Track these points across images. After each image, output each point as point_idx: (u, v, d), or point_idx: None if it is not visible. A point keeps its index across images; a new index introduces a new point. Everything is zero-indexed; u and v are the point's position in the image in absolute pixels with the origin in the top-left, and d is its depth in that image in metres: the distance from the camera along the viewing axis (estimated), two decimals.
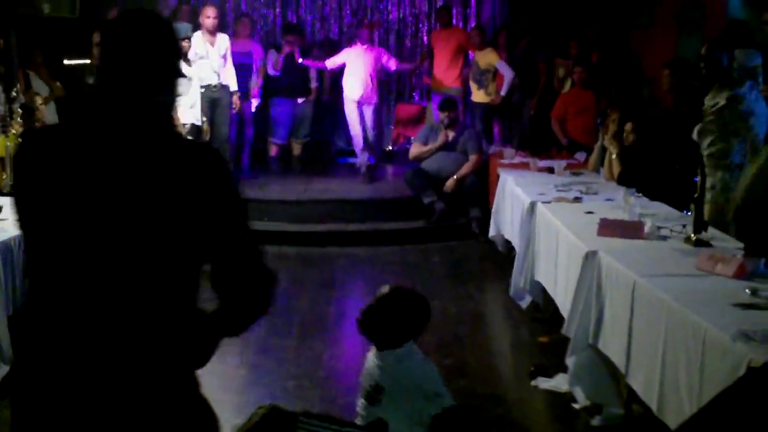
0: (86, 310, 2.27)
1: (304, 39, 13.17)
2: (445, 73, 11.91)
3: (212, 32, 10.48)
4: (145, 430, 2.33)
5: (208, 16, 10.49)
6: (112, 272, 2.25)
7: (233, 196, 2.42)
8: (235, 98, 10.81)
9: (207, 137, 10.39)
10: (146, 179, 2.27)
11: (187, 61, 9.89)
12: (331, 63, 11.92)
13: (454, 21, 13.67)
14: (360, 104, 11.68)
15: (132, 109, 2.32)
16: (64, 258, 2.29)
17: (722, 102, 5.93)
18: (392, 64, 12.02)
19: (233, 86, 10.77)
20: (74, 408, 2.29)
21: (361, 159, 11.85)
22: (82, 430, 2.30)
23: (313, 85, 12.35)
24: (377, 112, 11.95)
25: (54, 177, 2.27)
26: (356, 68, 11.66)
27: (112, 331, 2.27)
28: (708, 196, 5.72)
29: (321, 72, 12.42)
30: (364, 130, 11.75)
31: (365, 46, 11.81)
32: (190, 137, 9.59)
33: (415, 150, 10.39)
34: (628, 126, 7.55)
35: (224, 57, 10.66)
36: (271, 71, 11.93)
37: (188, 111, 9.82)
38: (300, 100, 12.30)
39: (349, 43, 12.75)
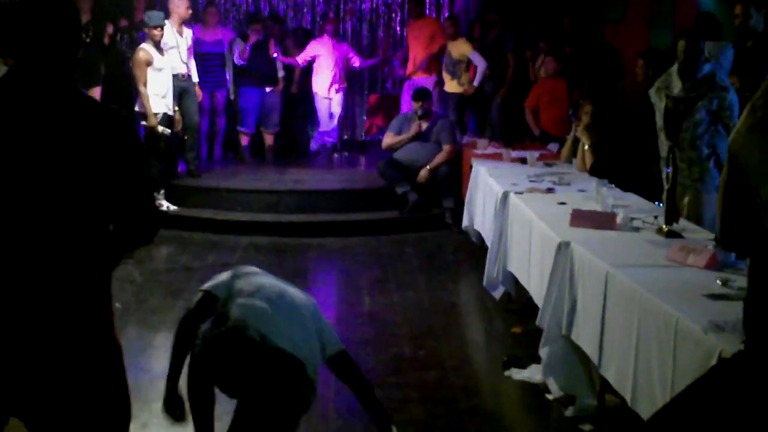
0: (13, 240, 2.65)
1: (282, 27, 13.17)
2: (419, 62, 11.94)
3: (181, 22, 10.43)
4: (59, 350, 2.69)
5: (182, 6, 10.43)
6: (34, 210, 2.63)
7: (135, 149, 2.81)
8: (197, 88, 10.80)
9: (179, 126, 10.36)
10: (61, 135, 2.65)
11: (160, 50, 9.83)
12: (302, 59, 12.31)
13: (427, 11, 13.72)
14: (329, 98, 12.18)
15: (44, 79, 2.68)
16: None
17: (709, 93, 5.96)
18: (355, 62, 12.51)
19: (195, 77, 10.78)
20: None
21: (320, 139, 12.52)
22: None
23: (280, 74, 12.33)
24: (346, 99, 12.14)
25: None
26: (324, 61, 12.17)
27: (34, 259, 2.65)
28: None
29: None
30: (331, 119, 12.09)
31: (332, 40, 12.24)
32: (156, 124, 9.61)
33: (388, 140, 10.39)
34: (588, 108, 7.63)
35: (190, 48, 10.65)
36: (237, 60, 11.90)
37: (160, 100, 9.76)
38: (268, 90, 12.26)
39: (318, 35, 12.89)
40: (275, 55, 12.04)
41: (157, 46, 9.78)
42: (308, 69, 12.43)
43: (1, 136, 2.61)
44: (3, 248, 2.64)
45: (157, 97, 9.71)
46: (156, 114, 9.70)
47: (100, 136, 2.69)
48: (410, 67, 12.06)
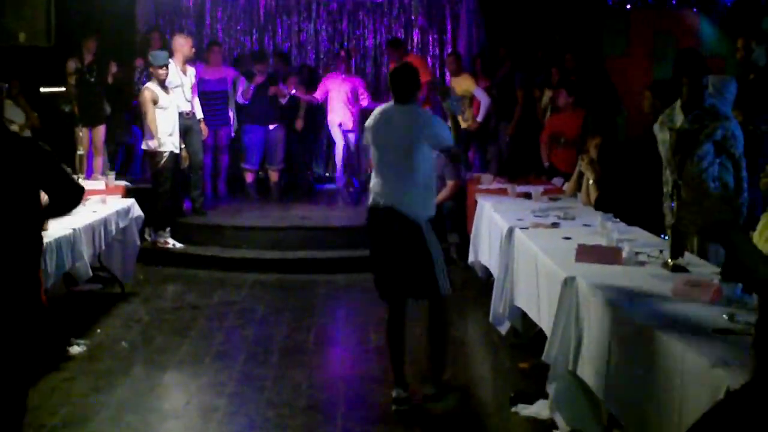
0: None
1: (287, 65, 13.25)
2: None
3: (185, 61, 10.51)
4: None
5: (186, 45, 10.52)
6: None
7: (50, 158, 4.12)
8: (202, 125, 10.86)
9: (186, 164, 10.40)
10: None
11: (165, 88, 9.88)
12: (320, 94, 12.36)
13: (431, 49, 13.87)
14: (343, 130, 12.21)
15: None
16: None
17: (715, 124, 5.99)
18: (364, 101, 12.40)
19: (199, 114, 10.86)
20: None
21: (341, 182, 12.32)
22: None
23: (301, 112, 12.42)
24: (359, 138, 12.13)
25: None
26: (337, 95, 12.22)
27: None
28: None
29: (296, 99, 12.43)
30: (345, 154, 12.09)
31: (343, 76, 12.30)
32: (163, 162, 9.65)
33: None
34: (595, 142, 7.66)
35: (193, 86, 10.74)
36: (240, 99, 11.96)
37: (167, 138, 9.79)
38: (272, 126, 12.32)
39: (326, 72, 12.98)
40: (293, 91, 12.14)
41: (162, 84, 9.84)
42: (312, 106, 12.50)
43: None
44: None
45: (164, 135, 9.75)
46: (163, 152, 9.74)
47: (23, 155, 4.02)
48: None
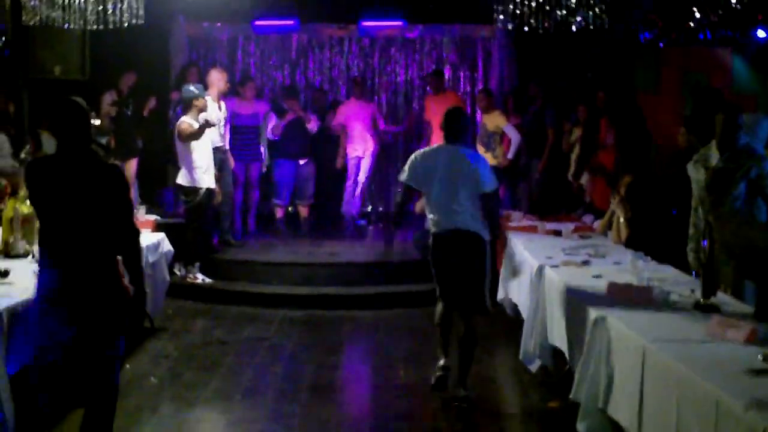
0: (62, 245, 4.71)
1: (325, 97, 13.47)
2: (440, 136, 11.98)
3: (219, 96, 10.58)
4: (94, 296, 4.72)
5: (221, 80, 10.61)
6: (73, 227, 4.70)
7: (124, 191, 4.87)
8: (229, 155, 11.01)
9: (219, 198, 10.40)
10: (84, 183, 4.70)
11: (208, 123, 9.82)
12: (337, 124, 12.51)
13: (461, 85, 13.94)
14: (359, 158, 12.46)
15: (74, 151, 4.76)
16: (50, 221, 4.76)
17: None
18: (380, 123, 12.66)
19: (226, 145, 10.97)
20: (64, 289, 4.69)
21: (346, 209, 12.51)
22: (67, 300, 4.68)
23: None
24: (376, 169, 12.29)
25: (42, 185, 4.76)
26: (353, 123, 12.42)
27: (75, 253, 4.69)
28: None
29: (327, 134, 12.53)
30: (356, 185, 12.37)
31: (359, 102, 12.54)
32: (196, 197, 9.66)
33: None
34: (626, 180, 7.65)
35: (227, 121, 10.84)
36: (270, 135, 12.02)
37: (202, 175, 9.74)
38: (302, 162, 12.36)
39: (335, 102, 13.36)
40: (316, 123, 12.25)
41: (196, 118, 9.75)
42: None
43: (56, 180, 4.70)
44: (58, 239, 4.72)
45: (200, 170, 9.75)
46: (200, 189, 9.73)
47: (104, 179, 4.76)
48: (434, 141, 12.13)
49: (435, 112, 12.00)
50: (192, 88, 9.97)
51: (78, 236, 4.69)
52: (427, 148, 7.04)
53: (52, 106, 4.84)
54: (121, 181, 4.85)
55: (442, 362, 6.81)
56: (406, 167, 6.78)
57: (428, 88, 13.21)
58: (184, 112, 9.98)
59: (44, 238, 4.80)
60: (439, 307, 6.91)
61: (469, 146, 6.98)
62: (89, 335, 4.72)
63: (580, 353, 5.39)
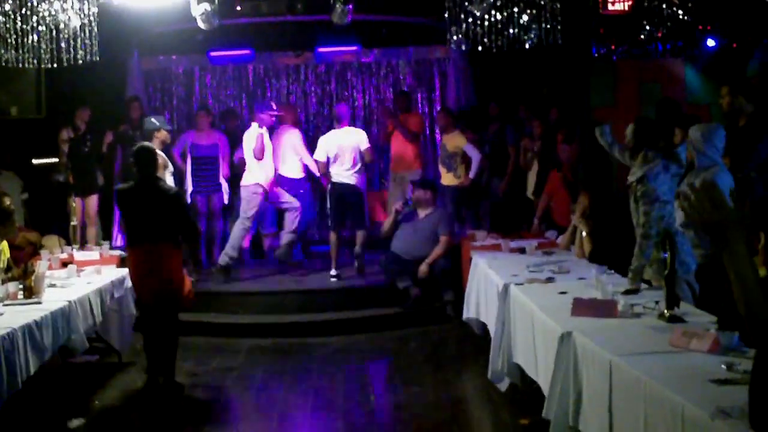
0: (141, 237, 7.54)
1: (295, 114, 12.86)
2: (403, 156, 12.00)
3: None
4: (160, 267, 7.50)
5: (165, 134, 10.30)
6: (148, 226, 7.49)
7: (182, 206, 7.88)
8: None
9: None
10: (155, 200, 7.51)
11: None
12: (320, 157, 11.08)
13: (419, 106, 13.99)
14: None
15: (148, 180, 7.56)
16: (133, 222, 7.61)
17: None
18: (368, 156, 11.06)
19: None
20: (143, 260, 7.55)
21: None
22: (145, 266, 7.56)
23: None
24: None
25: (127, 200, 7.66)
26: (341, 151, 10.94)
27: (151, 240, 7.50)
28: None
29: None
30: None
31: (347, 128, 11.19)
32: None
33: (384, 225, 10.58)
34: (584, 196, 7.72)
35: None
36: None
37: None
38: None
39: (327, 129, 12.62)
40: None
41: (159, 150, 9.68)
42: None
43: (137, 199, 7.54)
44: (139, 231, 7.52)
45: None
46: None
47: (168, 198, 7.55)
48: (394, 159, 12.16)
49: (398, 132, 12.00)
50: (153, 119, 9.96)
51: (152, 230, 7.47)
52: None
53: (133, 152, 7.63)
54: (178, 197, 7.79)
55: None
56: None
57: (396, 108, 12.76)
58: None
59: (128, 228, 7.72)
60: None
61: None
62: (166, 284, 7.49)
63: (547, 371, 5.43)
